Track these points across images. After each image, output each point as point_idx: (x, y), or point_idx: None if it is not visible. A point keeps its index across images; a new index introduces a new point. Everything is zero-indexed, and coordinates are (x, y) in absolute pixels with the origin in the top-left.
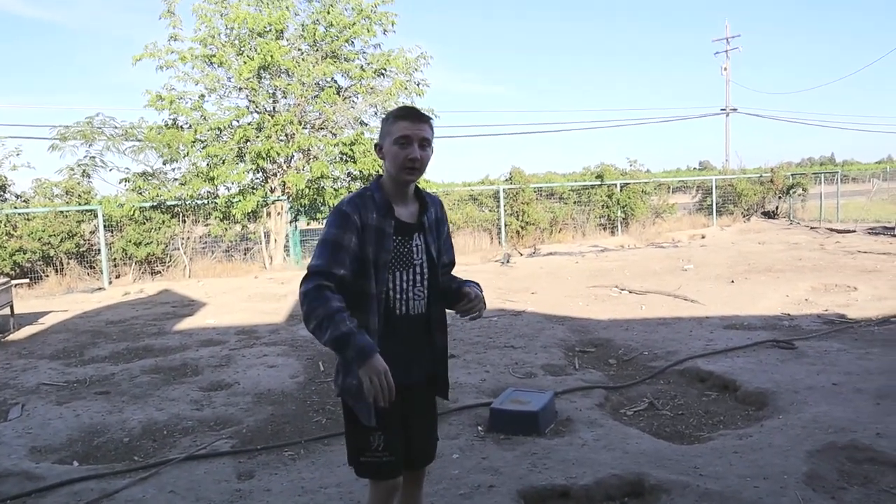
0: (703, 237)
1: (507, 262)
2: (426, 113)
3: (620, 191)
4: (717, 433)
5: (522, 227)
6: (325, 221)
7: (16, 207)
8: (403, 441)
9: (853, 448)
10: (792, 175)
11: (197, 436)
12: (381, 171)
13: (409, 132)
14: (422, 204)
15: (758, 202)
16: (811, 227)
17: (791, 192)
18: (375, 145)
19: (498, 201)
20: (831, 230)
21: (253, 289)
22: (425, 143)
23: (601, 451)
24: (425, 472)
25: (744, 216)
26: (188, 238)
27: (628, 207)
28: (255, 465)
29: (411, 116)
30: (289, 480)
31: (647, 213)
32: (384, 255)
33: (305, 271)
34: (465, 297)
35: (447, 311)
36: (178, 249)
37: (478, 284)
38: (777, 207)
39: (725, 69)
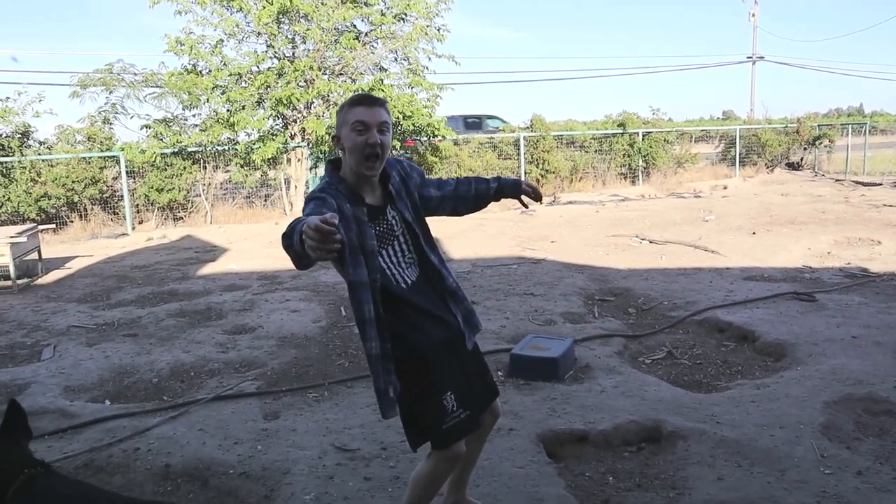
0: (726, 188)
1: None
2: (380, 97)
3: (642, 140)
4: (735, 383)
5: (542, 176)
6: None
7: (39, 154)
8: (468, 390)
9: (870, 400)
10: (818, 126)
11: (223, 377)
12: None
13: (365, 117)
14: (382, 178)
15: (782, 153)
16: (836, 180)
17: (817, 143)
18: (333, 136)
19: (518, 149)
20: (857, 182)
21: (274, 235)
22: (384, 128)
23: (619, 397)
24: (497, 411)
25: (767, 167)
26: (209, 184)
27: (650, 157)
28: (280, 406)
29: (366, 101)
30: (314, 421)
31: (669, 163)
32: (370, 243)
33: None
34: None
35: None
36: (200, 196)
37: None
38: (802, 159)
39: (753, 15)
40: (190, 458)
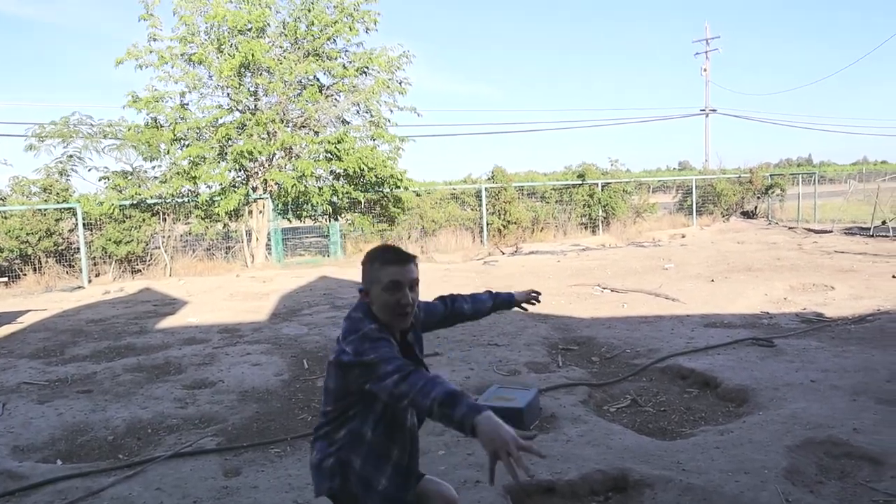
0: (684, 236)
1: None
2: (410, 253)
3: (602, 190)
4: (699, 429)
5: (504, 226)
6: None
7: None
8: None
9: (830, 443)
10: (770, 175)
11: (182, 434)
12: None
13: (399, 277)
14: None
15: (737, 202)
16: (789, 227)
17: (769, 192)
18: (361, 290)
19: (480, 200)
20: (809, 230)
21: (235, 287)
22: (415, 284)
23: (585, 446)
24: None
25: (723, 216)
26: (169, 236)
27: (609, 207)
28: (241, 463)
29: (400, 260)
30: (276, 477)
31: (628, 213)
32: None
33: (383, 369)
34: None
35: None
36: (159, 248)
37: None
38: (756, 207)
39: (705, 70)
40: None
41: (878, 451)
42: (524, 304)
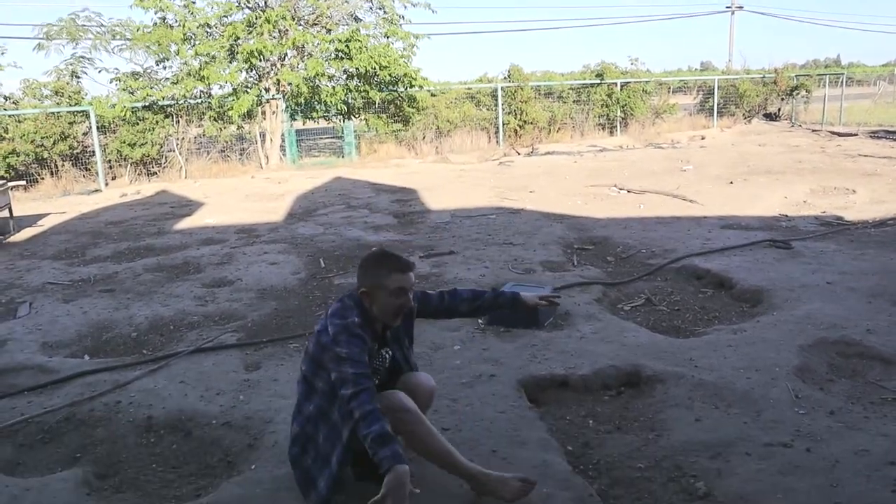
0: (703, 138)
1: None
2: (411, 261)
3: (620, 90)
4: (713, 328)
5: (520, 127)
6: (336, 339)
7: (5, 109)
8: None
9: (843, 343)
10: (796, 77)
11: (203, 330)
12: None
13: (405, 285)
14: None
15: (760, 104)
16: (813, 130)
17: (794, 93)
18: (360, 291)
19: (496, 100)
20: (833, 133)
21: (250, 188)
22: (414, 287)
23: (599, 343)
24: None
25: (745, 118)
26: (183, 139)
27: (628, 107)
28: (261, 357)
29: (405, 268)
30: (294, 371)
31: (647, 114)
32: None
33: (348, 386)
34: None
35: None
36: (174, 150)
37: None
38: (779, 109)
39: None
40: (172, 409)
41: (890, 352)
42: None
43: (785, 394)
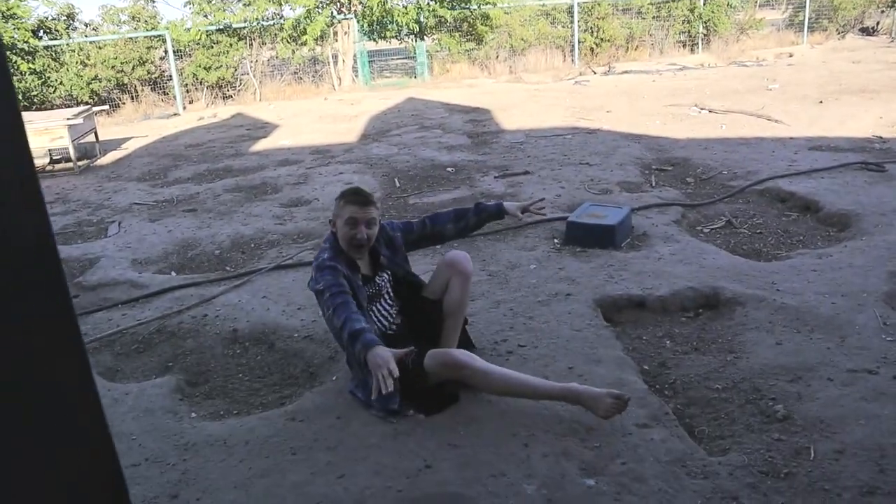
0: (791, 55)
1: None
2: (370, 196)
3: (704, 5)
4: (796, 252)
5: (597, 44)
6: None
7: (86, 36)
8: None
9: None
10: None
11: (282, 247)
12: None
13: (356, 215)
14: (373, 252)
15: (856, 17)
16: None
17: None
18: (329, 220)
19: (572, 17)
20: None
21: (323, 110)
22: (371, 223)
23: (677, 264)
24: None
25: (838, 33)
26: (256, 61)
27: (711, 23)
28: None
29: (358, 201)
30: None
31: (731, 30)
32: (362, 300)
33: (323, 305)
34: (523, 208)
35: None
36: (248, 73)
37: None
38: (878, 23)
39: None
40: (256, 323)
41: None
42: (523, 215)
43: (872, 320)
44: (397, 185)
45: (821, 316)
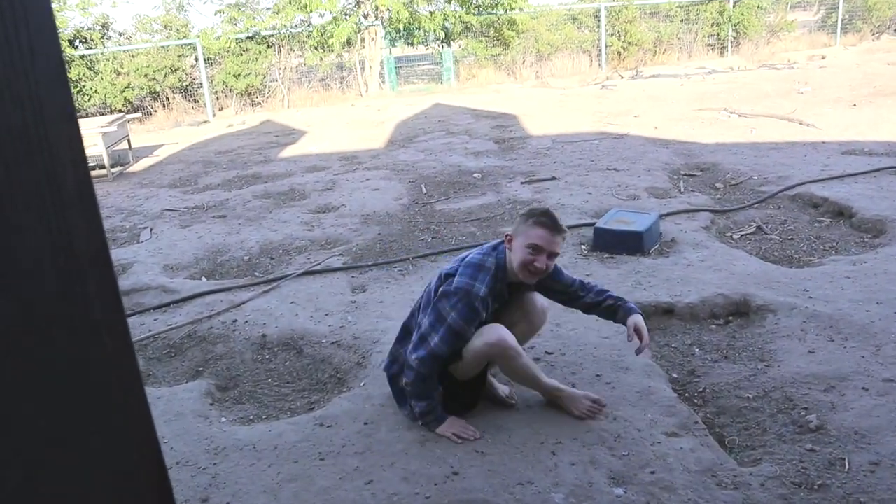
0: (824, 58)
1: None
2: (563, 225)
3: (733, 7)
4: (829, 258)
5: (624, 48)
6: (453, 296)
7: (120, 45)
8: None
9: None
10: None
11: (310, 254)
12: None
13: (542, 243)
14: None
15: (891, 18)
16: None
17: None
18: (506, 235)
19: (599, 20)
20: None
21: (350, 116)
22: (553, 256)
23: (706, 271)
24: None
25: (873, 34)
26: (285, 68)
27: (741, 25)
28: (366, 280)
29: (550, 227)
30: (399, 293)
31: (762, 32)
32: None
33: (427, 348)
34: (632, 332)
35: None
36: (276, 80)
37: (637, 312)
38: None
39: None
40: (284, 328)
41: None
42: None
43: None
44: (424, 191)
45: (855, 324)
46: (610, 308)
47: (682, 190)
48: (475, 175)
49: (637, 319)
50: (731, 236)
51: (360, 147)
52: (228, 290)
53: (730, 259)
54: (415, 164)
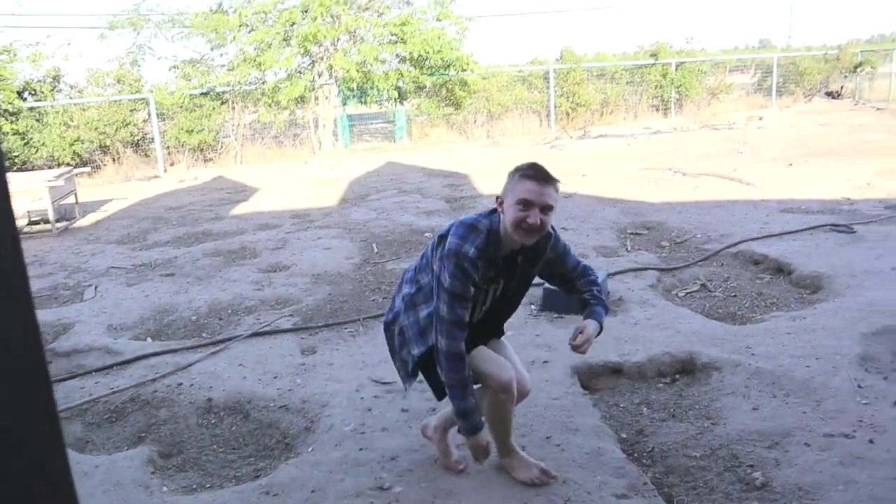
0: (761, 119)
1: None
2: (553, 175)
3: (675, 70)
4: (770, 315)
5: (572, 109)
6: (444, 260)
7: (71, 98)
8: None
9: None
10: (860, 52)
11: (260, 314)
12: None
13: (531, 196)
14: (521, 250)
15: (821, 81)
16: (878, 108)
17: (858, 70)
18: (497, 198)
19: (548, 82)
20: None
21: (303, 173)
22: (548, 210)
23: (653, 329)
24: (527, 387)
25: (805, 97)
26: (238, 125)
27: (683, 88)
28: (316, 342)
29: (537, 178)
30: (350, 355)
31: (703, 94)
32: (479, 303)
33: (437, 319)
34: (577, 331)
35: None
36: (229, 136)
37: (604, 307)
38: (842, 87)
39: None
40: (231, 391)
41: None
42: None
43: (846, 383)
44: (375, 250)
45: (796, 380)
46: (583, 302)
47: (630, 248)
48: (427, 234)
49: (589, 325)
50: (677, 294)
51: (312, 205)
52: (174, 351)
53: (676, 317)
54: (367, 222)
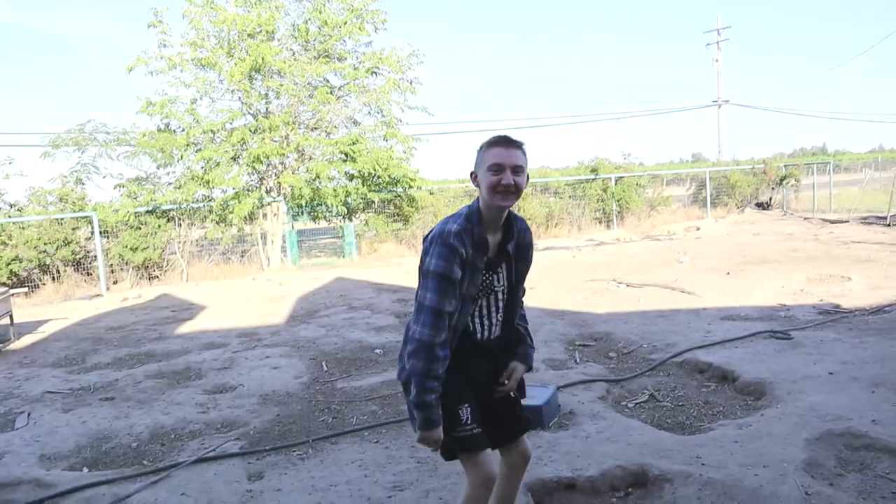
0: (698, 229)
1: None
2: (518, 140)
3: (615, 184)
4: (718, 423)
5: None
6: (429, 249)
7: (10, 216)
8: (488, 419)
9: (850, 435)
10: (784, 166)
11: (205, 438)
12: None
13: (501, 160)
14: (506, 233)
15: (751, 193)
16: (805, 218)
17: (784, 182)
18: (471, 174)
19: None
20: (825, 220)
21: (252, 291)
22: (518, 170)
23: (605, 443)
24: (527, 453)
25: (738, 207)
26: (185, 242)
27: (623, 200)
28: (264, 466)
29: (503, 143)
30: (298, 480)
31: (643, 206)
32: (472, 290)
33: (423, 309)
34: (505, 371)
35: None
36: (175, 253)
37: (532, 349)
38: (770, 199)
39: (717, 61)
40: None
41: None
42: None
43: (795, 490)
44: (325, 368)
45: (746, 489)
46: (516, 341)
47: (578, 360)
48: (377, 351)
49: (517, 367)
50: (627, 405)
51: (260, 322)
52: (112, 481)
53: (626, 429)
54: (316, 340)
